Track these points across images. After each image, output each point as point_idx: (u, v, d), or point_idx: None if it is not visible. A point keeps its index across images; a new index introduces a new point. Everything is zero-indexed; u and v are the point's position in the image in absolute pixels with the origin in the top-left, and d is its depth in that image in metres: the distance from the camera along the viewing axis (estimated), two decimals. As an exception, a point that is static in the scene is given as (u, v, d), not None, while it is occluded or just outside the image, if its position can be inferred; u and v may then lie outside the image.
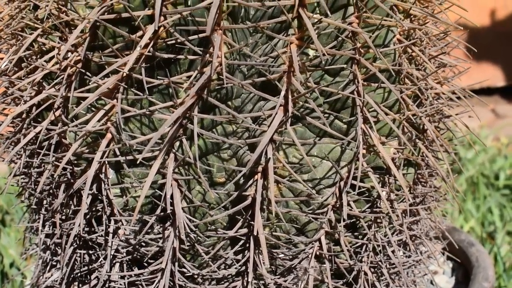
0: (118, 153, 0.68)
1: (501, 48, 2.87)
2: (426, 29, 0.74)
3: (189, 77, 0.65)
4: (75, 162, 0.71)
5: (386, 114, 0.69)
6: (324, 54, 0.63)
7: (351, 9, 0.68)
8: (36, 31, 0.70)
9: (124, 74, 0.65)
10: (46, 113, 0.73)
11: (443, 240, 0.92)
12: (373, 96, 0.70)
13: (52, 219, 0.77)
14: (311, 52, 0.68)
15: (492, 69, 2.87)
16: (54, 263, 0.82)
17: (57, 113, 0.70)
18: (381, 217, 0.71)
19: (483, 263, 0.97)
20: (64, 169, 0.71)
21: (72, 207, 0.74)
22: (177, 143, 0.66)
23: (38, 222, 0.81)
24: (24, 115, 0.75)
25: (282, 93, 0.64)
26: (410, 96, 0.72)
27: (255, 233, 0.63)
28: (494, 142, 2.33)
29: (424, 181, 0.78)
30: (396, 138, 0.71)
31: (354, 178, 0.68)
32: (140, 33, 0.65)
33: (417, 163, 0.74)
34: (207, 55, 0.64)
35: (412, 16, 0.73)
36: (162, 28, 0.64)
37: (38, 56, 0.72)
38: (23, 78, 0.72)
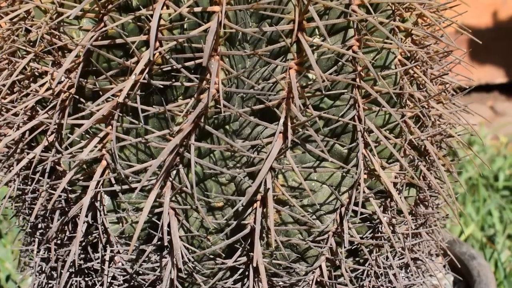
0: (113, 181, 0.66)
1: (500, 45, 2.85)
2: (428, 48, 0.73)
3: (186, 103, 0.63)
4: (70, 189, 0.69)
5: (388, 138, 0.67)
6: (323, 80, 0.62)
7: (351, 32, 0.66)
8: (28, 54, 0.68)
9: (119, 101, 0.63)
10: (40, 137, 0.71)
11: (443, 257, 0.90)
12: (374, 119, 0.68)
13: (47, 244, 0.75)
14: (311, 75, 0.66)
15: (491, 65, 2.86)
16: (51, 287, 0.80)
17: (51, 138, 0.69)
18: (383, 242, 0.70)
19: (484, 278, 0.96)
20: (59, 196, 0.69)
21: (67, 233, 0.72)
22: (174, 171, 0.65)
23: (33, 245, 0.79)
24: (17, 138, 0.73)
25: (281, 120, 0.63)
26: (412, 117, 0.71)
27: (254, 264, 0.62)
28: (493, 141, 2.31)
29: (426, 201, 0.77)
30: (398, 161, 0.70)
31: (356, 204, 0.67)
32: (135, 59, 0.63)
33: (419, 185, 0.73)
34: (204, 81, 0.63)
35: (413, 35, 0.72)
36: (157, 54, 0.63)
37: (31, 80, 0.70)
38: (16, 102, 0.70)
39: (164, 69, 0.63)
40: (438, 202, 0.83)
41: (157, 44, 0.63)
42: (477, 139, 2.17)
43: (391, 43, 0.66)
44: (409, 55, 0.71)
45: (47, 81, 0.67)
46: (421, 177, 0.75)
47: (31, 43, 0.70)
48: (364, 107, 0.66)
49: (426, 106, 0.71)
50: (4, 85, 0.69)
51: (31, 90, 0.66)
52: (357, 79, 0.66)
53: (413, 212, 0.74)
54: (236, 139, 0.68)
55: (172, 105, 0.63)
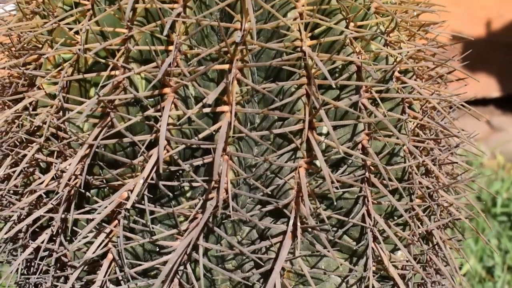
0: (120, 277, 0.66)
1: (496, 58, 2.85)
2: (437, 130, 0.72)
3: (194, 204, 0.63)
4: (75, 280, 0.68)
5: (395, 229, 0.67)
6: (333, 182, 0.61)
7: (361, 125, 0.65)
8: (32, 143, 0.68)
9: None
10: (46, 222, 0.70)
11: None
12: (383, 210, 0.68)
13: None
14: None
15: (487, 79, 2.85)
16: None
17: (56, 227, 0.68)
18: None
19: None
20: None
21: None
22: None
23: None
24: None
25: (291, 221, 0.62)
26: (420, 205, 0.70)
27: None
28: (491, 160, 2.31)
29: (431, 280, 0.77)
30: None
31: (364, 297, 0.67)
32: (141, 158, 0.62)
33: (426, 269, 0.72)
34: (212, 182, 0.62)
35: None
36: (165, 152, 0.62)
37: (35, 166, 0.69)
38: (19, 191, 0.69)
39: (172, 169, 0.62)
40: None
41: (165, 142, 0.62)
42: (475, 160, 2.16)
43: (398, 140, 0.65)
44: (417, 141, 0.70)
45: (51, 171, 0.67)
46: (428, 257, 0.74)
47: (36, 128, 0.69)
48: (373, 201, 0.66)
49: (434, 191, 0.71)
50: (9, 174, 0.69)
51: (36, 184, 0.65)
52: (367, 173, 0.65)
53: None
54: (243, 227, 0.68)
55: (179, 206, 0.62)
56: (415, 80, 0.72)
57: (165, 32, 0.57)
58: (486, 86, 2.86)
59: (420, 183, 0.69)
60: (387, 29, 0.68)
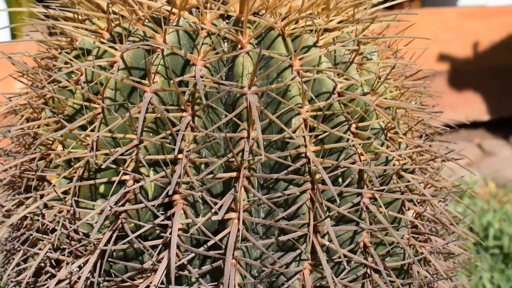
0: None
1: (486, 82, 2.89)
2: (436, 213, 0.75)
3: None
4: None
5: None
6: (335, 283, 0.63)
7: (362, 225, 0.68)
8: (44, 241, 0.70)
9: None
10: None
11: None
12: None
13: None
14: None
15: (477, 103, 2.89)
16: None
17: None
18: None
19: None
20: None
21: None
22: None
23: None
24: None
25: (297, 322, 0.65)
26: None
27: None
28: (483, 188, 2.33)
29: None
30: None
31: None
32: (151, 262, 0.64)
33: None
34: (221, 285, 0.64)
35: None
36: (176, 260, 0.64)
37: (46, 260, 0.71)
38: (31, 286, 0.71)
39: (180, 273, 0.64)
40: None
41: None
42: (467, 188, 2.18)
43: (395, 238, 0.68)
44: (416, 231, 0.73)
45: (62, 270, 0.69)
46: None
47: (47, 227, 0.71)
48: (375, 294, 0.68)
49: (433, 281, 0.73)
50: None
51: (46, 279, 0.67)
52: (368, 270, 0.67)
53: None
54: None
55: (190, 310, 0.64)
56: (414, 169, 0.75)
57: (176, 152, 0.59)
58: (477, 109, 2.90)
59: (418, 272, 0.72)
60: (387, 126, 0.71)
